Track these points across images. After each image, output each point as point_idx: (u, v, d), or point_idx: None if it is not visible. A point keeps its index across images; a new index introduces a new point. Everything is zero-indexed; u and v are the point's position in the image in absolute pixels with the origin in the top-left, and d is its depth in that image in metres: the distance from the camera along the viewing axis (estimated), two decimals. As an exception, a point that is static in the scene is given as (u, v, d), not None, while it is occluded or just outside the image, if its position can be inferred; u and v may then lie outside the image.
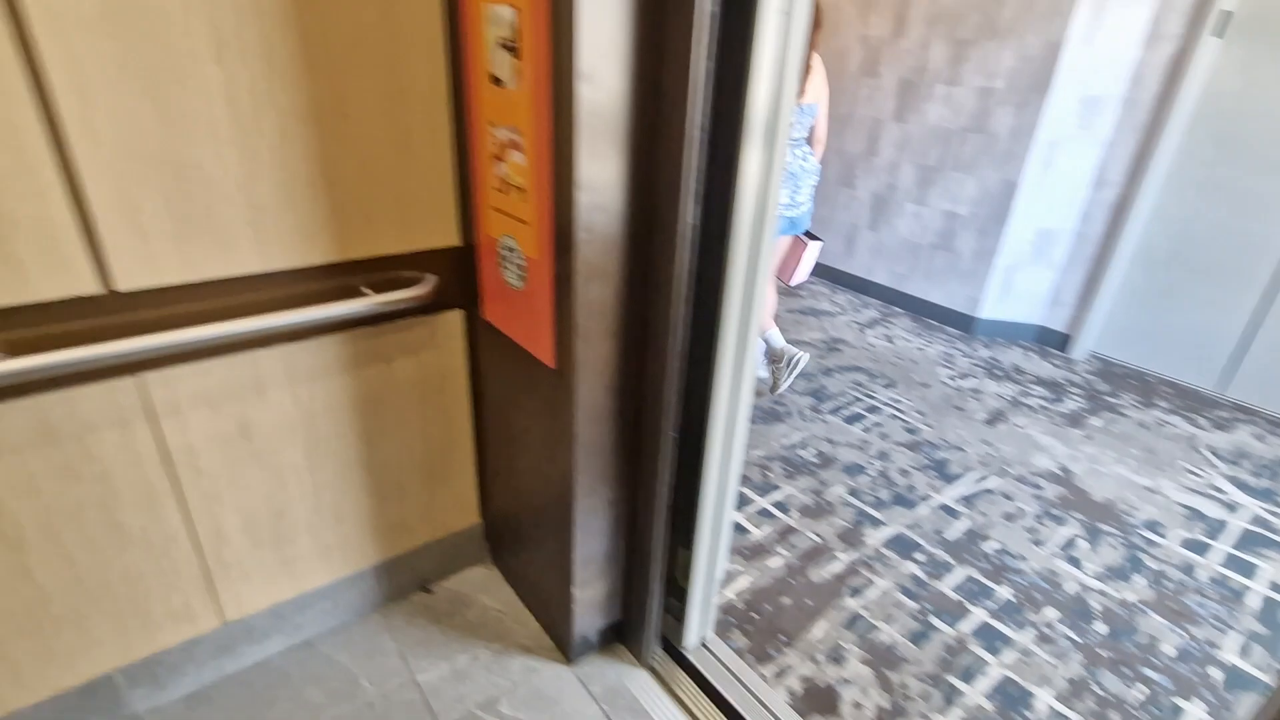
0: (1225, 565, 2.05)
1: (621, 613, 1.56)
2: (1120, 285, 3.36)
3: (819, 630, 1.72)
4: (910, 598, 1.84)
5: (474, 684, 1.47)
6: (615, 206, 1.07)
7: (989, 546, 2.07)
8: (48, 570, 1.15)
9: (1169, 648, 1.74)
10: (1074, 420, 2.89)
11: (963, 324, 3.80)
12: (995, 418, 2.87)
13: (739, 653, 1.61)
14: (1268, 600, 1.91)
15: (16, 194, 0.93)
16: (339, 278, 1.27)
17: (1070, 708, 1.55)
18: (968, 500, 2.29)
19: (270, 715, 1.38)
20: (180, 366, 1.16)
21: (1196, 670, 1.67)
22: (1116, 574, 1.99)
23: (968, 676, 1.61)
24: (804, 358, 2.83)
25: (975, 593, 1.88)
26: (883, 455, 2.54)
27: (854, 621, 1.75)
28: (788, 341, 3.08)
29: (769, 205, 0.97)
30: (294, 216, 1.17)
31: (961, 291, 3.76)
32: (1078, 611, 1.84)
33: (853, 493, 2.30)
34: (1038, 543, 2.10)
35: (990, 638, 1.73)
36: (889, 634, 1.72)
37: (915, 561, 1.98)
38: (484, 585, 1.75)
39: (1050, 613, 1.83)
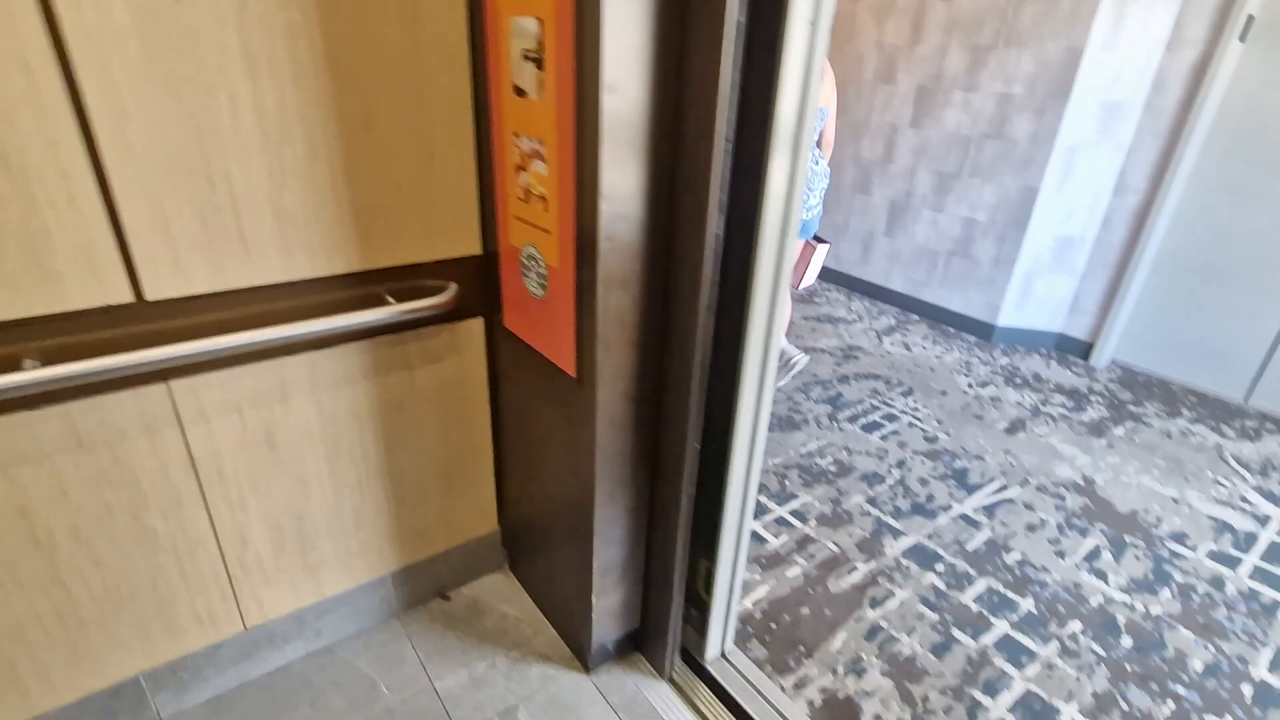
0: (1255, 578, 2.01)
1: (640, 621, 1.56)
2: (1142, 292, 3.32)
3: (838, 641, 1.70)
4: (931, 609, 1.82)
5: (492, 692, 1.47)
6: (636, 215, 1.07)
7: (1011, 557, 2.04)
8: (77, 574, 1.17)
9: (1197, 663, 1.70)
10: (1096, 429, 2.85)
11: (981, 331, 3.76)
12: (1015, 426, 2.84)
13: (758, 663, 1.60)
14: (1300, 615, 1.87)
15: (56, 208, 0.95)
16: (362, 286, 1.28)
17: (1096, 723, 1.52)
18: (988, 510, 2.27)
19: (291, 721, 1.39)
20: (208, 374, 1.17)
21: (1227, 686, 1.64)
22: (1142, 586, 1.95)
23: (991, 690, 1.59)
24: (802, 360, 2.82)
25: (997, 604, 1.85)
26: (901, 464, 2.52)
27: (874, 633, 1.73)
28: (799, 347, 3.07)
29: (792, 214, 0.97)
30: (319, 226, 1.19)
31: (980, 298, 3.73)
32: (1103, 625, 1.80)
33: (871, 502, 2.28)
34: (1061, 554, 2.07)
35: (1013, 650, 1.70)
36: (910, 646, 1.70)
37: (935, 572, 1.96)
38: (502, 592, 1.75)
39: (1074, 625, 1.80)
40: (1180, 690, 1.62)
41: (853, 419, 2.83)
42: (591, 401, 1.20)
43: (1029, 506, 2.30)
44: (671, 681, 1.51)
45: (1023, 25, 3.21)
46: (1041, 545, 2.10)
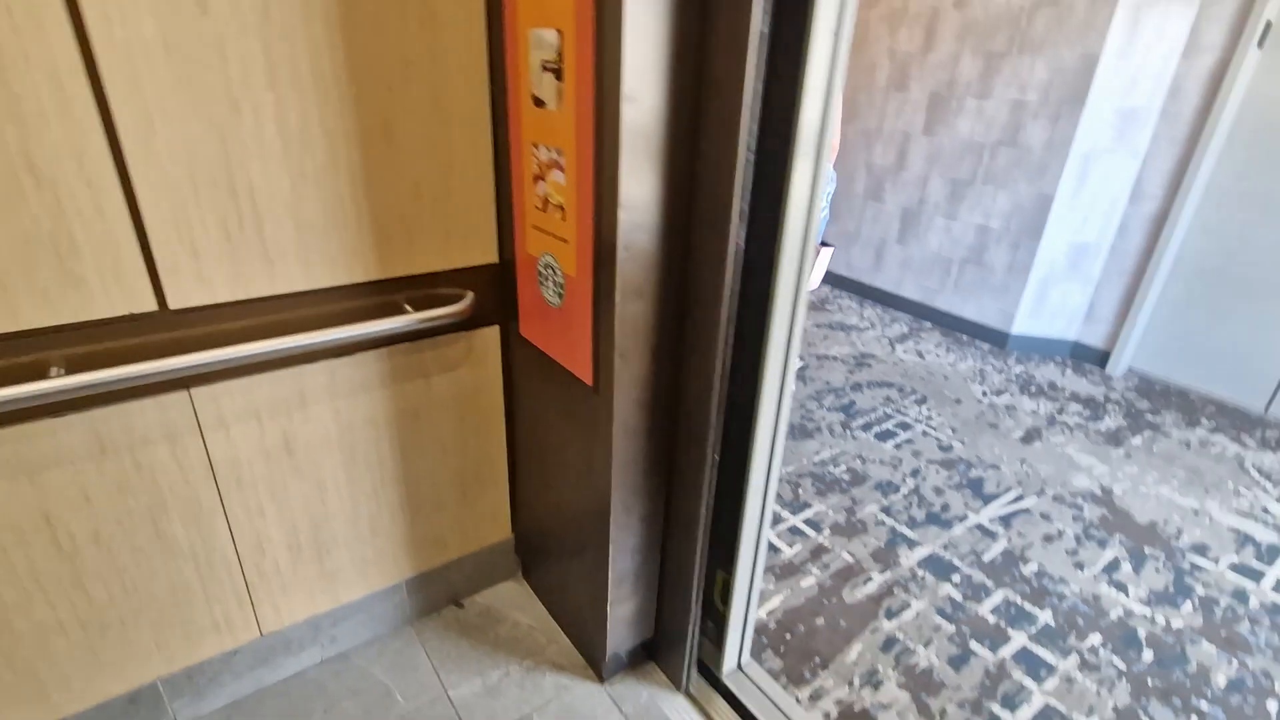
0: (1279, 591, 1.97)
1: (653, 630, 1.55)
2: (1159, 300, 3.28)
3: (854, 652, 1.68)
4: (948, 620, 1.80)
5: (506, 700, 1.47)
6: (654, 224, 1.07)
7: (1028, 569, 2.02)
8: (98, 580, 1.18)
9: (1221, 678, 1.67)
10: (1113, 438, 2.82)
11: (995, 339, 3.74)
12: (1031, 435, 2.81)
13: (773, 674, 1.58)
14: (1326, 630, 1.84)
15: (84, 217, 0.97)
16: (380, 295, 1.29)
17: (1118, 739, 1.50)
18: (1005, 520, 2.24)
19: (306, 728, 1.39)
20: (228, 382, 1.18)
21: (1251, 702, 1.61)
22: (1163, 599, 1.92)
23: (1010, 704, 1.56)
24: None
25: (1015, 616, 1.83)
26: (915, 473, 2.50)
27: (890, 644, 1.72)
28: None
29: (813, 222, 0.97)
30: (339, 235, 1.20)
31: (994, 306, 3.70)
32: (1123, 638, 1.78)
33: (886, 511, 2.26)
34: (1079, 565, 2.04)
35: (1032, 663, 1.68)
36: (926, 658, 1.68)
37: (952, 583, 1.94)
38: (515, 600, 1.75)
39: (1094, 638, 1.77)
40: (1204, 706, 1.59)
41: (866, 427, 2.82)
42: (608, 410, 1.20)
43: (1046, 517, 2.27)
44: (688, 694, 1.50)
45: (1037, 32, 3.19)
46: (1059, 556, 2.08)
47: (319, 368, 1.28)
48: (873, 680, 1.60)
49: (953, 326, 3.95)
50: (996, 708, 1.55)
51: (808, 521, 2.18)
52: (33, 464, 1.05)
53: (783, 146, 0.90)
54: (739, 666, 1.52)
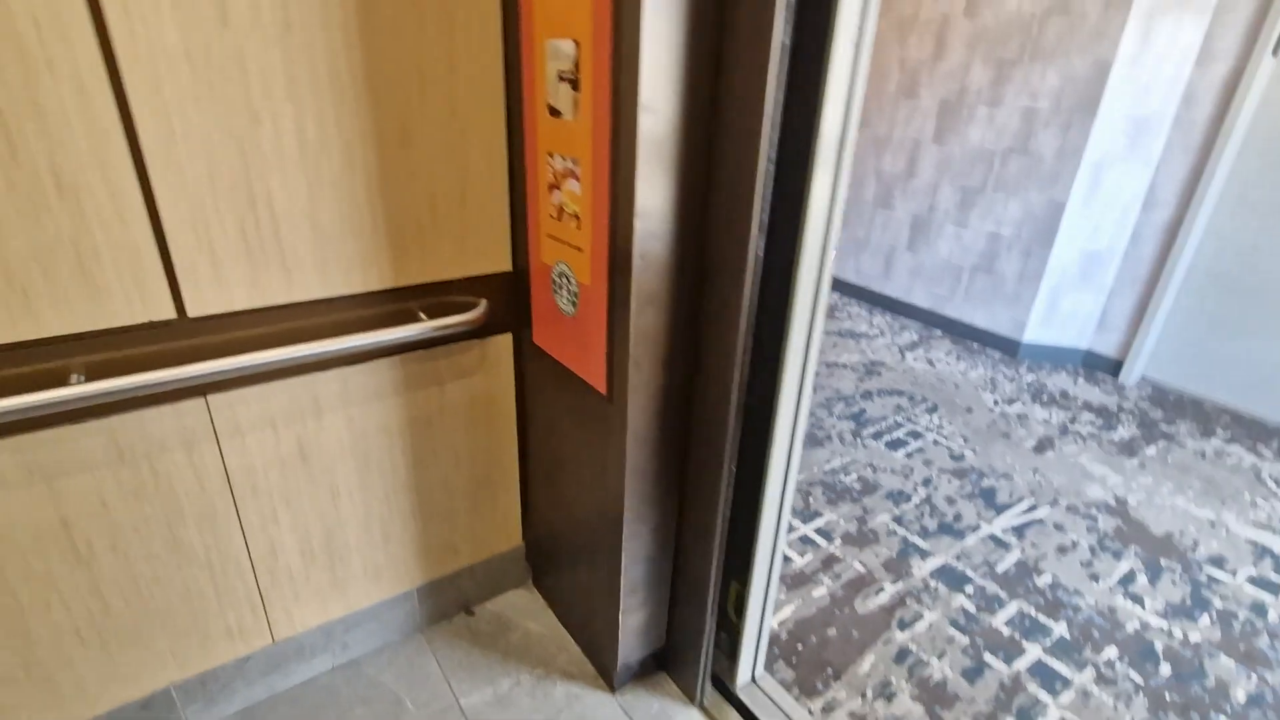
0: (1298, 605, 1.95)
1: (665, 640, 1.54)
2: (1173, 308, 3.26)
3: (866, 664, 1.67)
4: (961, 632, 1.79)
5: (517, 710, 1.46)
6: (669, 234, 1.07)
7: (1042, 580, 2.00)
8: (114, 586, 1.19)
9: (1240, 693, 1.65)
10: (1127, 448, 2.79)
11: (1006, 347, 3.71)
12: (1044, 445, 2.79)
13: (785, 685, 1.57)
14: (1347, 644, 1.81)
15: (106, 226, 0.98)
16: (394, 302, 1.29)
17: (1136, 754, 1.48)
18: (1018, 531, 2.22)
19: (318, 735, 1.39)
20: (244, 389, 1.19)
21: (1271, 718, 1.58)
22: (1180, 612, 1.90)
23: (1025, 717, 1.55)
24: None
25: (1029, 628, 1.81)
26: (927, 482, 2.48)
27: (903, 655, 1.70)
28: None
29: (833, 233, 0.97)
30: (355, 243, 1.20)
31: (1005, 314, 3.68)
32: (1140, 651, 1.76)
33: (897, 520, 2.25)
34: (1094, 577, 2.02)
35: (1047, 677, 1.66)
36: (940, 670, 1.66)
37: (965, 594, 1.92)
38: (525, 608, 1.75)
39: (1110, 652, 1.75)
40: (1223, 721, 1.57)
41: (877, 436, 2.80)
42: (622, 419, 1.20)
43: (1060, 527, 2.25)
44: (702, 708, 1.48)
45: (1048, 40, 3.19)
46: (1074, 568, 2.06)
47: (333, 375, 1.28)
48: (886, 692, 1.59)
49: (963, 334, 3.93)
50: (1012, 721, 1.53)
51: (819, 530, 2.17)
52: (52, 470, 1.06)
53: (803, 156, 0.90)
54: (753, 679, 1.51)
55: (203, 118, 1.00)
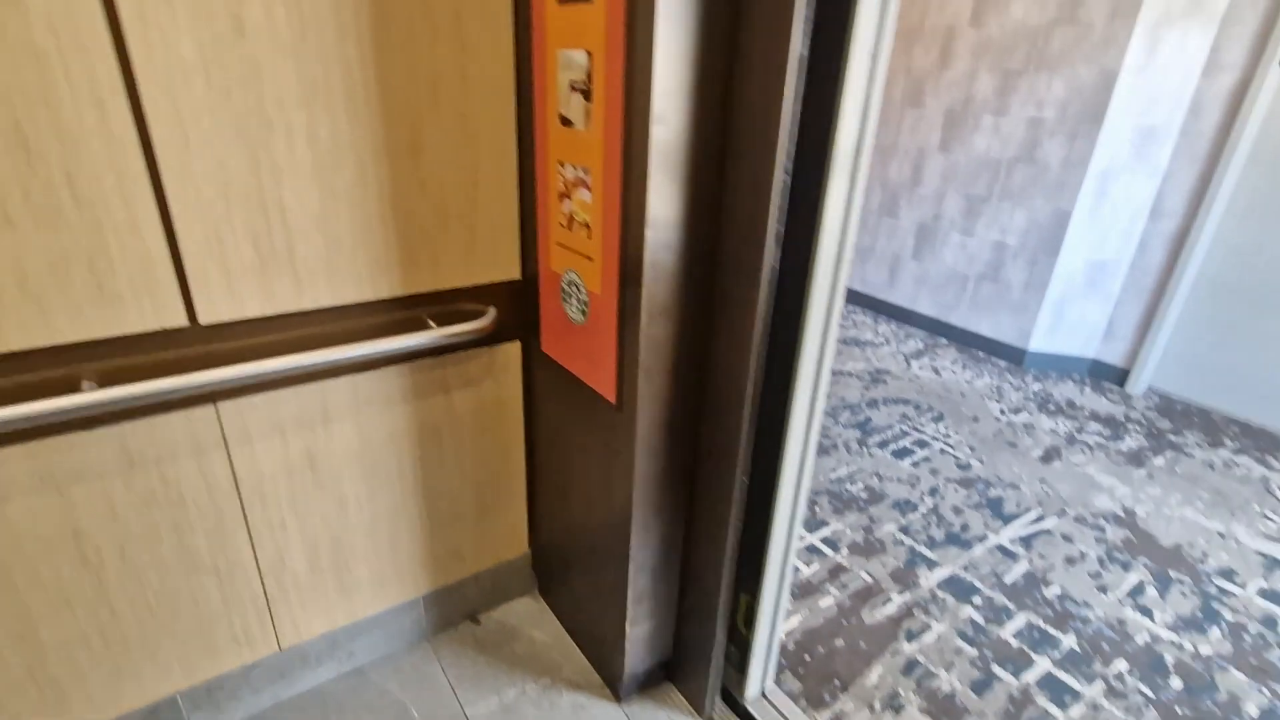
0: (1309, 619, 1.93)
1: (671, 651, 1.54)
2: (1180, 318, 3.25)
3: (874, 675, 1.66)
4: (969, 643, 1.77)
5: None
6: (680, 244, 1.07)
7: (1050, 591, 1.98)
8: (123, 594, 1.18)
9: (1252, 707, 1.63)
10: (1135, 459, 2.78)
11: (1012, 356, 3.71)
12: (1050, 455, 2.78)
13: (792, 696, 1.56)
14: (1359, 659, 1.79)
15: (121, 235, 0.98)
16: (404, 310, 1.29)
17: (1147, 769, 1.46)
18: (1025, 541, 2.21)
19: (323, 744, 1.38)
20: (253, 396, 1.19)
21: (1285, 733, 1.57)
22: (1190, 625, 1.88)
23: (1034, 731, 1.53)
24: None
25: (1038, 640, 1.80)
26: (934, 491, 2.47)
27: (911, 667, 1.69)
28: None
29: (847, 245, 0.97)
30: (366, 251, 1.21)
31: (1011, 323, 3.67)
32: (1150, 664, 1.74)
33: (904, 530, 2.23)
34: (1103, 589, 2.01)
35: (1056, 690, 1.65)
36: (948, 682, 1.65)
37: (973, 605, 1.91)
38: (531, 617, 1.74)
39: (1120, 665, 1.74)
40: (1235, 736, 1.55)
41: (883, 444, 2.79)
42: (631, 428, 1.19)
43: (1068, 538, 2.24)
44: None
45: (1054, 50, 3.19)
46: (1082, 579, 2.04)
47: (343, 383, 1.28)
48: (894, 704, 1.58)
49: (969, 343, 3.92)
50: (1021, 735, 1.52)
51: (825, 540, 2.16)
52: (62, 477, 1.06)
53: (818, 168, 0.90)
54: (762, 694, 1.50)
55: (218, 127, 1.01)
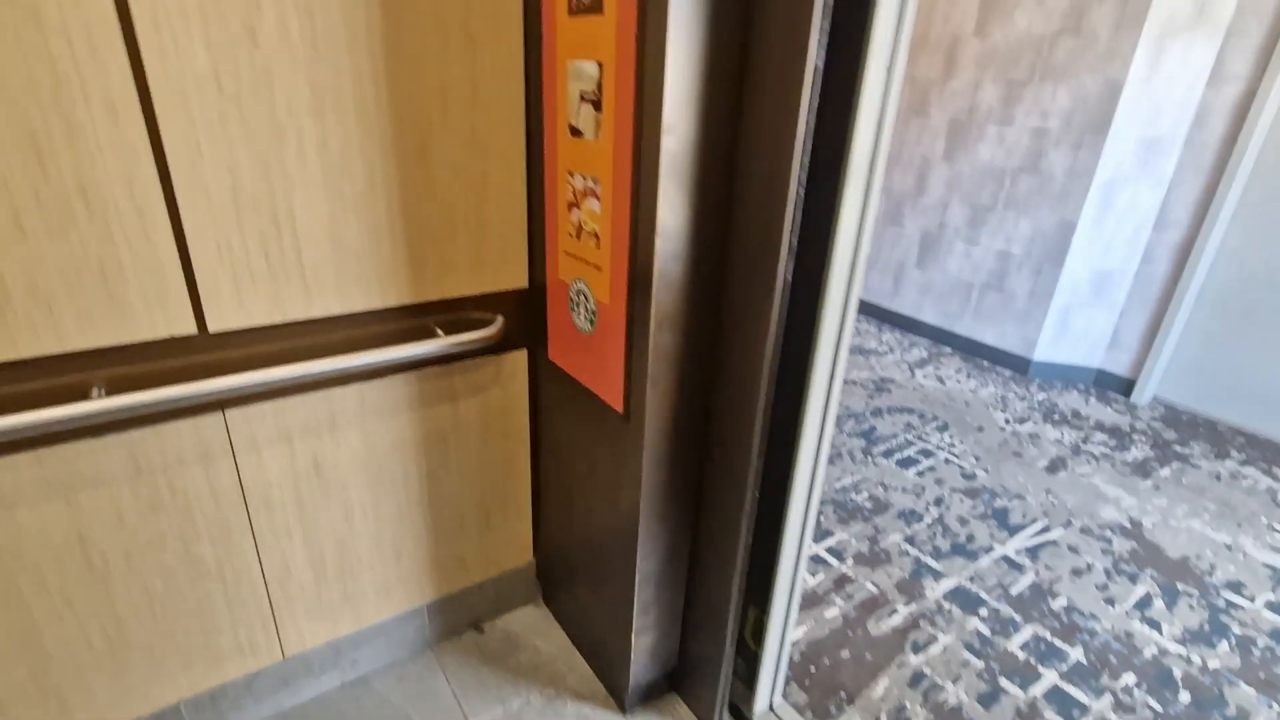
0: (1319, 633, 1.91)
1: (677, 662, 1.53)
2: (1186, 328, 3.24)
3: (880, 687, 1.65)
4: (976, 655, 1.76)
5: (528, 730, 1.44)
6: (689, 255, 1.07)
7: (1057, 603, 1.97)
8: (128, 601, 1.18)
9: (1262, 722, 1.62)
10: (1141, 469, 2.76)
11: (1016, 365, 3.70)
12: (1056, 465, 2.77)
13: (798, 709, 1.55)
14: (1370, 674, 1.78)
15: (132, 243, 0.98)
16: (412, 318, 1.30)
17: (1157, 785, 1.45)
18: (1031, 552, 2.20)
19: (326, 754, 1.38)
20: (261, 404, 1.19)
21: (1295, 749, 1.55)
22: (1198, 638, 1.87)
23: (1042, 745, 1.52)
24: None
25: (1045, 653, 1.78)
26: (939, 501, 2.46)
27: (917, 679, 1.68)
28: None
29: (861, 256, 0.96)
30: (375, 260, 1.21)
31: (1015, 332, 3.67)
32: (1158, 678, 1.73)
33: (909, 540, 2.22)
34: (1110, 601, 1.99)
35: (1064, 703, 1.63)
36: (955, 695, 1.64)
37: (979, 617, 1.90)
38: (535, 626, 1.73)
39: (1128, 678, 1.72)
40: (1245, 752, 1.54)
41: (887, 454, 2.79)
42: (638, 438, 1.19)
43: (1074, 549, 2.23)
44: (716, 732, 1.47)
45: (1059, 60, 3.20)
46: (1089, 591, 2.03)
47: (350, 390, 1.28)
48: (901, 717, 1.57)
49: (973, 352, 3.91)
50: (1029, 749, 1.51)
51: (830, 550, 2.15)
52: (70, 484, 1.06)
53: (832, 180, 0.90)
54: (770, 708, 1.49)
55: (229, 135, 1.01)
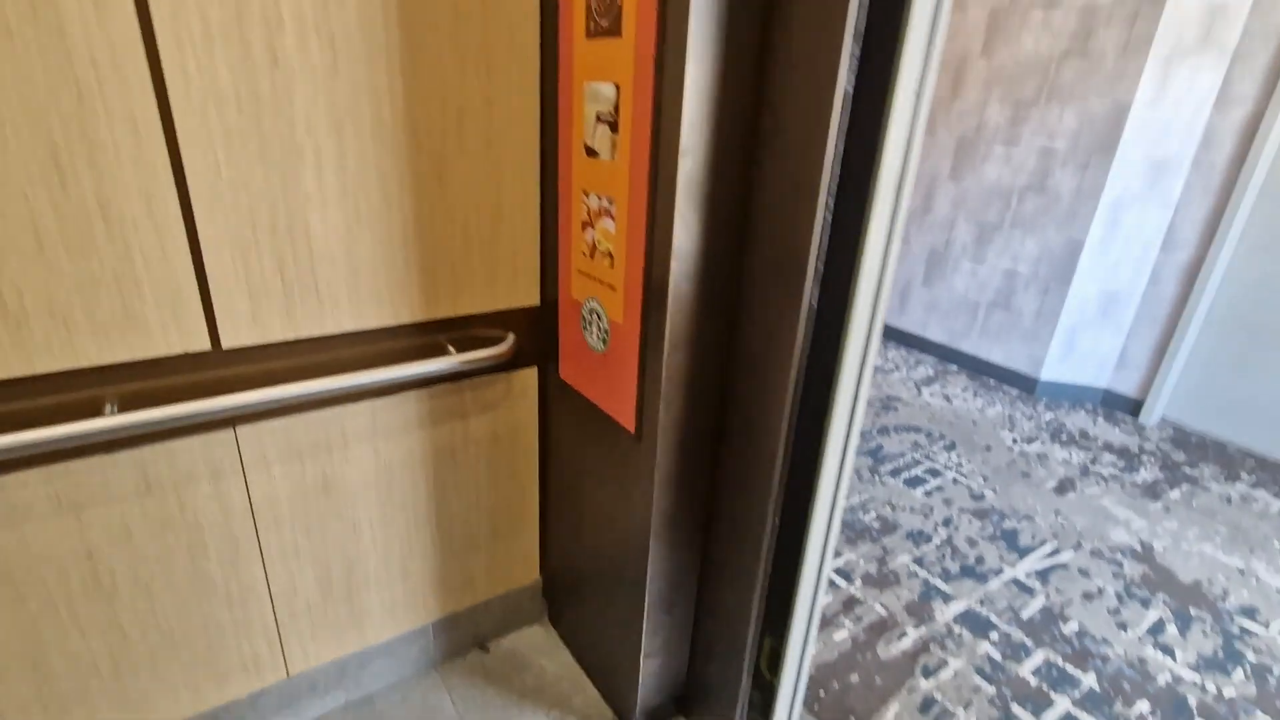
0: (1335, 661, 1.89)
1: (684, 687, 1.51)
2: (1194, 349, 3.23)
3: (890, 714, 1.62)
4: (987, 680, 1.74)
5: (533, 753, 1.42)
6: (705, 276, 1.07)
7: (1069, 628, 1.95)
8: (134, 618, 1.17)
9: (1280, 753, 1.59)
10: (1150, 491, 2.74)
11: (1023, 384, 3.68)
12: (1065, 486, 2.75)
13: (807, 734, 1.53)
14: (1389, 704, 1.75)
15: (149, 259, 0.98)
16: (423, 335, 1.29)
17: (1174, 818, 1.42)
18: (1042, 575, 2.18)
19: (329, 775, 1.36)
20: (272, 421, 1.19)
21: (1314, 782, 1.52)
22: (1212, 665, 1.84)
23: (1056, 774, 1.49)
24: None
25: (1057, 679, 1.76)
26: (947, 522, 2.44)
27: (928, 705, 1.65)
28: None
29: (886, 280, 0.96)
30: (388, 277, 1.21)
31: (1022, 351, 3.66)
32: (1173, 706, 1.70)
33: (918, 562, 2.20)
34: (1122, 626, 1.97)
35: (1078, 731, 1.61)
36: (967, 721, 1.61)
37: (990, 641, 1.87)
38: (541, 646, 1.71)
39: (1142, 706, 1.69)
40: (1263, 784, 1.51)
41: (895, 473, 2.77)
42: (650, 457, 1.18)
43: (1085, 573, 2.20)
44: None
45: (1065, 81, 3.22)
46: (1101, 615, 2.01)
47: (361, 407, 1.28)
48: (911, 744, 1.54)
49: (980, 370, 3.90)
50: (1043, 778, 1.48)
51: (838, 571, 2.13)
52: (80, 500, 1.05)
53: (859, 205, 0.90)
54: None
55: (248, 153, 1.01)
